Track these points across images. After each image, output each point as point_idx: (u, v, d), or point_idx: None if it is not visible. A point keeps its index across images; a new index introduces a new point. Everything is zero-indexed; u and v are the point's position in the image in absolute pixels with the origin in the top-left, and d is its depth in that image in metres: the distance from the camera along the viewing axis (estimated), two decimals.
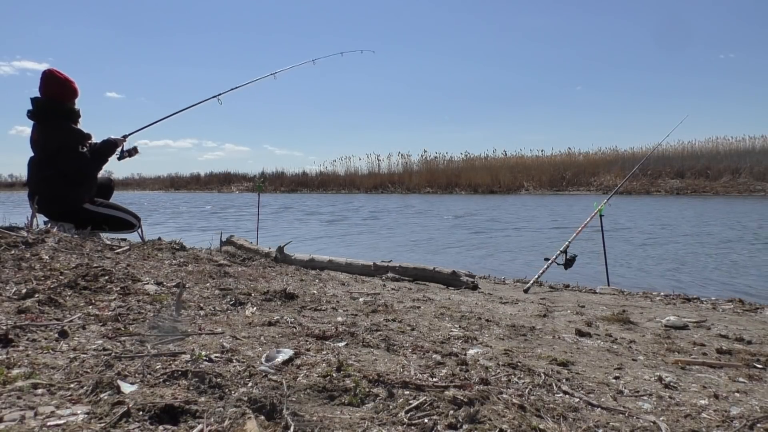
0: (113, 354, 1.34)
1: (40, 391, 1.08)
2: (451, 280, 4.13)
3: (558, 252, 4.69)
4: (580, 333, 2.35)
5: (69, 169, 3.79)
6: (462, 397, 1.21)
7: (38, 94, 3.77)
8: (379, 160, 38.16)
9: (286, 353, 1.46)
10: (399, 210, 18.08)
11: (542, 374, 1.56)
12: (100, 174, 4.14)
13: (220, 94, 4.70)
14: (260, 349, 1.52)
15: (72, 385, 1.12)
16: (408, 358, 1.58)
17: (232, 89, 4.81)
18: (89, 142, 3.97)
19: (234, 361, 1.37)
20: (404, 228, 11.83)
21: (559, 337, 2.24)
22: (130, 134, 4.18)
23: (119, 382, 1.13)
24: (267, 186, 37.75)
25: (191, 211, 18.75)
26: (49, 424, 0.94)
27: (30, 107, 3.78)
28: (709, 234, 9.53)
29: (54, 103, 3.79)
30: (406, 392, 1.25)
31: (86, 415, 0.98)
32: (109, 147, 4.02)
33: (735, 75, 73.90)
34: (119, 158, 4.20)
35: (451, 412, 1.15)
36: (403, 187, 34.36)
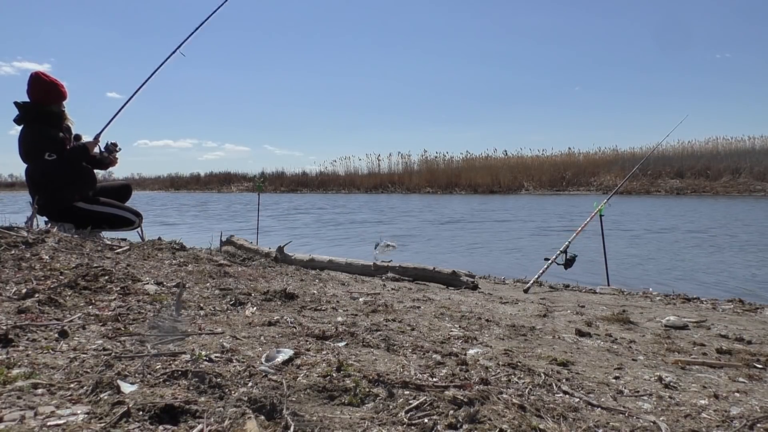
0: (113, 354, 1.34)
1: (40, 391, 1.08)
2: (451, 280, 4.13)
3: (558, 252, 4.69)
4: (580, 333, 2.34)
5: (35, 176, 3.74)
6: (462, 397, 1.21)
7: (26, 97, 3.75)
8: (379, 160, 38.20)
9: (286, 353, 1.46)
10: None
11: (542, 374, 1.56)
12: (121, 177, 4.08)
13: (179, 46, 4.44)
14: (260, 349, 1.52)
15: (72, 385, 1.12)
16: (408, 358, 1.58)
17: (190, 35, 4.49)
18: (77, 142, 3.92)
19: (234, 361, 1.37)
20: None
21: (559, 337, 2.24)
22: (100, 132, 4.09)
23: (119, 382, 1.13)
24: (267, 186, 37.69)
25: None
26: (49, 424, 0.94)
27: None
28: (709, 234, 9.53)
29: (36, 106, 3.73)
30: (406, 392, 1.25)
31: (86, 415, 0.98)
32: (77, 153, 3.84)
33: (731, 75, 74.00)
34: (103, 161, 4.06)
35: (451, 412, 1.15)
36: (403, 187, 34.35)
